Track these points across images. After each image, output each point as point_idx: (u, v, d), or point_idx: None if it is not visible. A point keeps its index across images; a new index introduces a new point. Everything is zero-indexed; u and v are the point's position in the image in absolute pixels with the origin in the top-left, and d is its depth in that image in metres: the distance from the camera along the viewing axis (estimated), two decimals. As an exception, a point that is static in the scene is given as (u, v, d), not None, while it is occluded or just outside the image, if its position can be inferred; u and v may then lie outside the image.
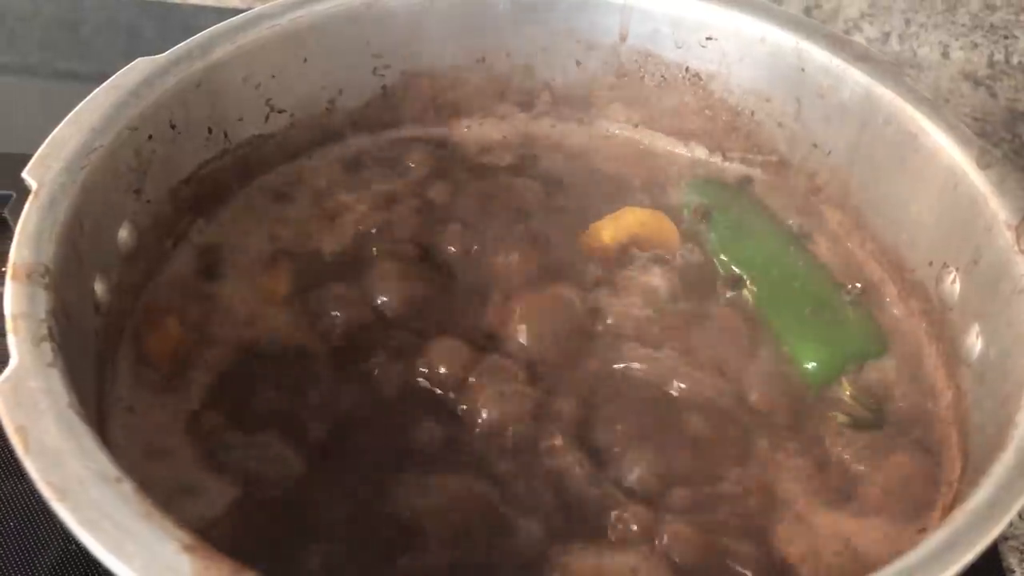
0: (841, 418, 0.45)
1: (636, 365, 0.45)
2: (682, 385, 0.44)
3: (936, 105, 0.48)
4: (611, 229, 0.51)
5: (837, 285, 0.50)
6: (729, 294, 0.49)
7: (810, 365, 0.46)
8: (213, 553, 0.29)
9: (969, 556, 0.31)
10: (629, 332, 0.47)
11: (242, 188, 0.52)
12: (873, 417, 0.45)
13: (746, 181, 0.55)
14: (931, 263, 0.47)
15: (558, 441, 0.42)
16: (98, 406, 0.41)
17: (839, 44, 0.51)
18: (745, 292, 0.49)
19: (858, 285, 0.49)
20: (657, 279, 0.49)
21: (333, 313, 0.46)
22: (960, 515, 0.32)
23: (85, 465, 0.31)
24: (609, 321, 0.47)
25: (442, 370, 0.44)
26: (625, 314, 0.47)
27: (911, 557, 0.31)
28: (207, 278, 0.48)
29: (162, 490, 0.39)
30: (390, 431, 0.42)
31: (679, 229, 0.52)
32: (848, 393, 0.45)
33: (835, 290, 0.49)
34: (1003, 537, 0.51)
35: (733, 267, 0.50)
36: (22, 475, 0.30)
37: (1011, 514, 0.32)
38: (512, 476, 0.41)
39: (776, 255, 0.50)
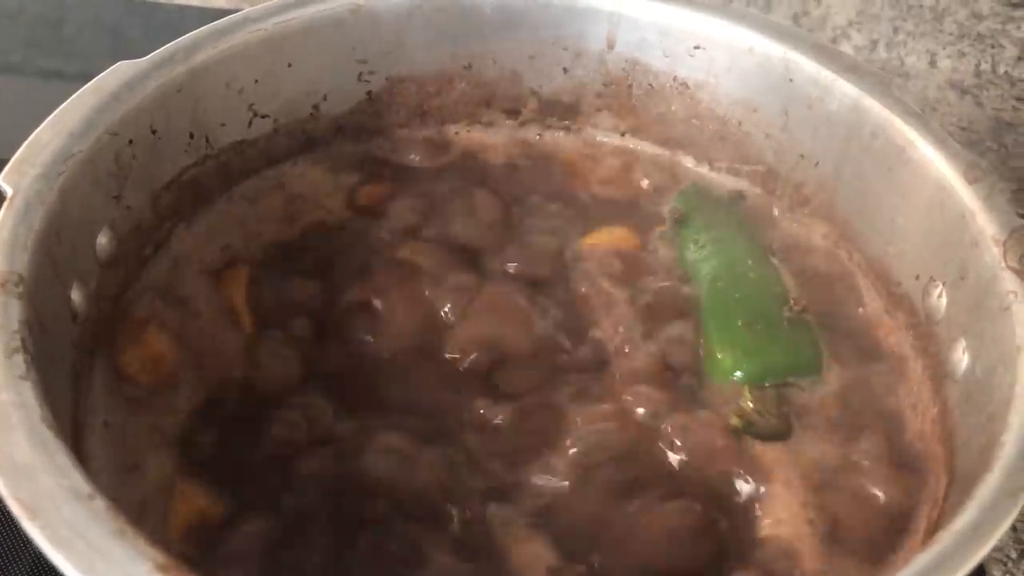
0: (734, 420, 0.44)
1: None
2: None
3: (924, 118, 0.48)
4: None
5: (783, 302, 0.49)
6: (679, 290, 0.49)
7: (736, 375, 0.46)
8: (187, 573, 0.29)
9: (954, 579, 0.31)
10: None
11: (223, 194, 0.51)
12: (774, 428, 0.44)
13: (737, 196, 0.55)
14: (918, 277, 0.47)
15: None
16: (73, 417, 0.40)
17: (828, 55, 0.51)
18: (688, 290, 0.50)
19: (802, 303, 0.49)
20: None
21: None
22: (947, 536, 0.32)
23: (57, 482, 0.31)
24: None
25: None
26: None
27: (896, 580, 0.31)
28: (181, 286, 0.47)
29: (137, 503, 0.39)
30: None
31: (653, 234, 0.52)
32: (748, 401, 0.45)
33: (777, 305, 0.49)
34: (987, 550, 0.51)
35: (688, 269, 0.51)
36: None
37: (997, 536, 0.32)
38: None
39: (732, 265, 0.50)
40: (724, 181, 0.56)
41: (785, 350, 0.47)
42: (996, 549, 0.51)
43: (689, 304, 0.49)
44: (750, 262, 0.50)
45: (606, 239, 0.52)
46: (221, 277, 0.48)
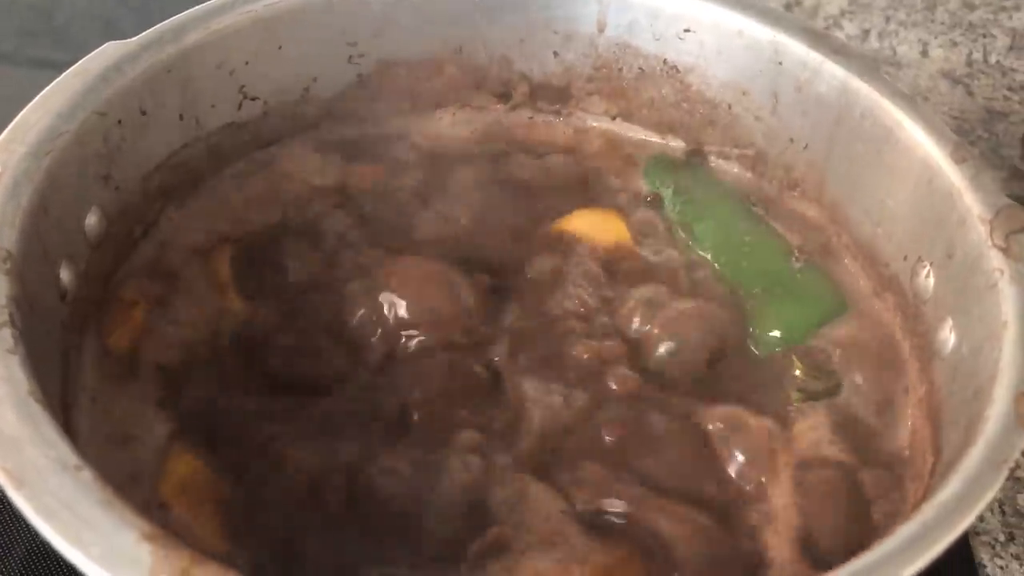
0: (795, 395, 0.45)
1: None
2: None
3: (912, 100, 0.48)
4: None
5: (787, 254, 0.50)
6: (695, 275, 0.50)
7: (774, 333, 0.47)
8: (173, 542, 0.29)
9: (937, 548, 0.31)
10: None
11: (214, 176, 0.51)
12: (825, 386, 0.45)
13: (695, 156, 0.56)
14: (906, 257, 0.47)
15: None
16: (63, 395, 0.40)
17: (816, 38, 0.51)
18: (709, 273, 0.50)
19: (805, 249, 0.50)
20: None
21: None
22: (929, 508, 0.32)
23: (44, 453, 0.31)
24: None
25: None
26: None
27: (879, 550, 0.31)
28: (170, 268, 0.47)
29: (128, 474, 0.39)
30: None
31: (633, 220, 0.52)
32: (799, 371, 0.46)
33: (785, 259, 0.49)
34: (974, 532, 0.51)
35: (695, 249, 0.51)
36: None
37: (980, 508, 0.32)
38: None
39: (730, 230, 0.51)
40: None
41: (808, 302, 0.48)
42: (984, 532, 0.51)
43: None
44: (741, 225, 0.51)
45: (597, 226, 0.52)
46: (209, 256, 0.48)
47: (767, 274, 0.49)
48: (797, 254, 0.49)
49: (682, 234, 0.51)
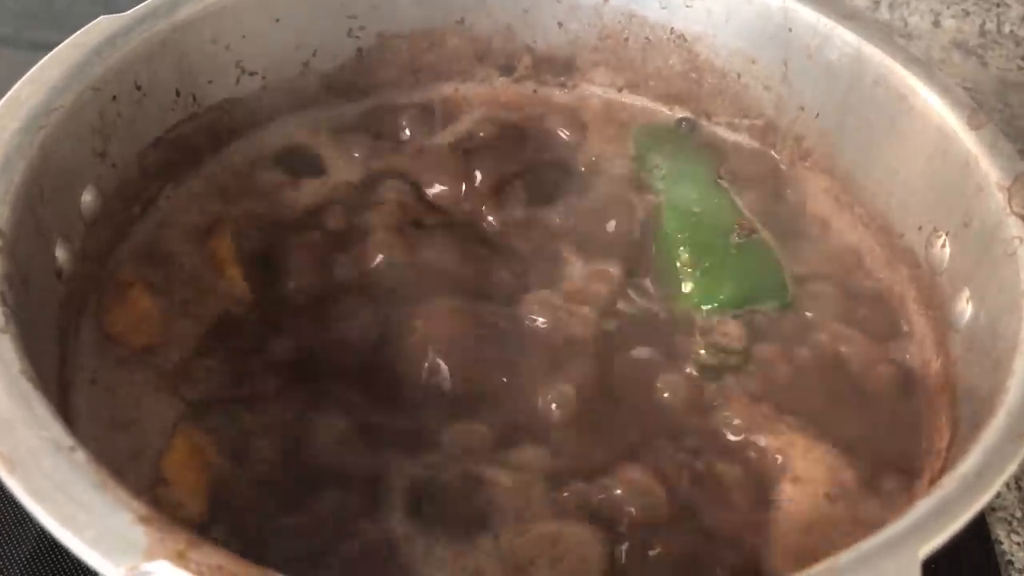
0: (695, 371, 0.44)
1: None
2: None
3: (927, 66, 0.47)
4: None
5: (729, 228, 0.49)
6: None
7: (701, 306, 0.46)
8: (169, 524, 0.28)
9: (958, 523, 0.30)
10: None
11: (213, 153, 0.51)
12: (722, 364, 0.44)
13: (686, 124, 0.55)
14: (920, 227, 0.46)
15: None
16: (60, 376, 0.40)
17: (827, 3, 0.50)
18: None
19: (748, 227, 0.49)
20: None
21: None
22: (949, 482, 0.31)
23: (37, 434, 0.30)
24: None
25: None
26: None
27: (900, 524, 0.30)
28: (169, 248, 0.47)
29: (128, 453, 0.39)
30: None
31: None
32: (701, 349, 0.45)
33: (723, 234, 0.49)
34: (990, 508, 0.51)
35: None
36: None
37: (1001, 480, 0.31)
38: None
39: (678, 200, 0.50)
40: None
41: (736, 277, 0.47)
42: (1001, 508, 0.50)
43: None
44: (695, 195, 0.50)
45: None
46: (210, 234, 0.47)
47: (704, 245, 0.48)
48: (739, 229, 0.48)
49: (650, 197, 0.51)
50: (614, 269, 0.47)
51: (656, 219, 0.50)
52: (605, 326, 0.45)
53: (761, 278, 0.47)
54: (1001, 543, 0.49)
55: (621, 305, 0.46)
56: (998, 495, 0.51)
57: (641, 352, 0.44)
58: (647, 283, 0.47)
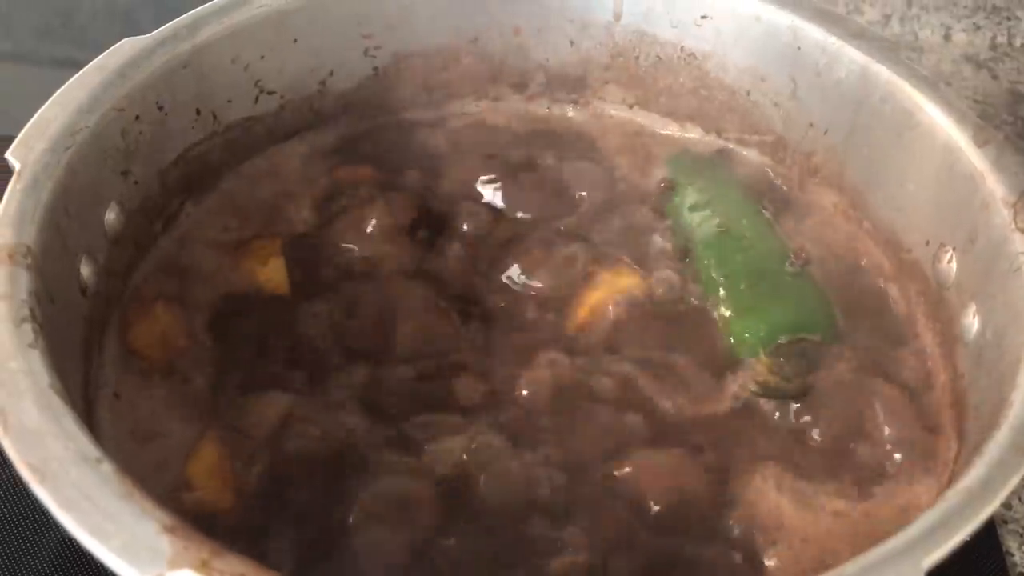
0: (753, 387, 0.44)
1: None
2: None
3: (933, 83, 0.47)
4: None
5: (783, 257, 0.49)
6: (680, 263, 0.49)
7: (745, 336, 0.46)
8: (193, 534, 0.29)
9: (961, 534, 0.30)
10: None
11: (232, 170, 0.52)
12: (790, 388, 0.44)
13: (721, 154, 0.55)
14: (928, 242, 0.46)
15: None
16: (84, 391, 0.41)
17: (834, 21, 0.50)
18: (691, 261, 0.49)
19: (802, 255, 0.49)
20: None
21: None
22: (953, 494, 0.32)
23: (65, 446, 0.31)
24: None
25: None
26: None
27: (904, 535, 0.30)
28: (190, 263, 0.48)
29: (152, 466, 0.40)
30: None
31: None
32: (764, 365, 0.45)
33: (779, 262, 0.49)
34: (1002, 520, 0.51)
35: (686, 239, 0.50)
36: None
37: (1005, 492, 0.32)
38: None
39: (729, 225, 0.50)
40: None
41: (789, 307, 0.47)
42: (1012, 521, 0.51)
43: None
44: (744, 221, 0.50)
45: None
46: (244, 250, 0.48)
47: (758, 272, 0.48)
48: (793, 259, 0.49)
49: (682, 220, 0.51)
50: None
51: (700, 246, 0.50)
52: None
53: (814, 306, 0.47)
54: (1012, 555, 0.49)
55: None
56: (1010, 507, 0.51)
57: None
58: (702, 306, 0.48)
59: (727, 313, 0.47)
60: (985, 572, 0.48)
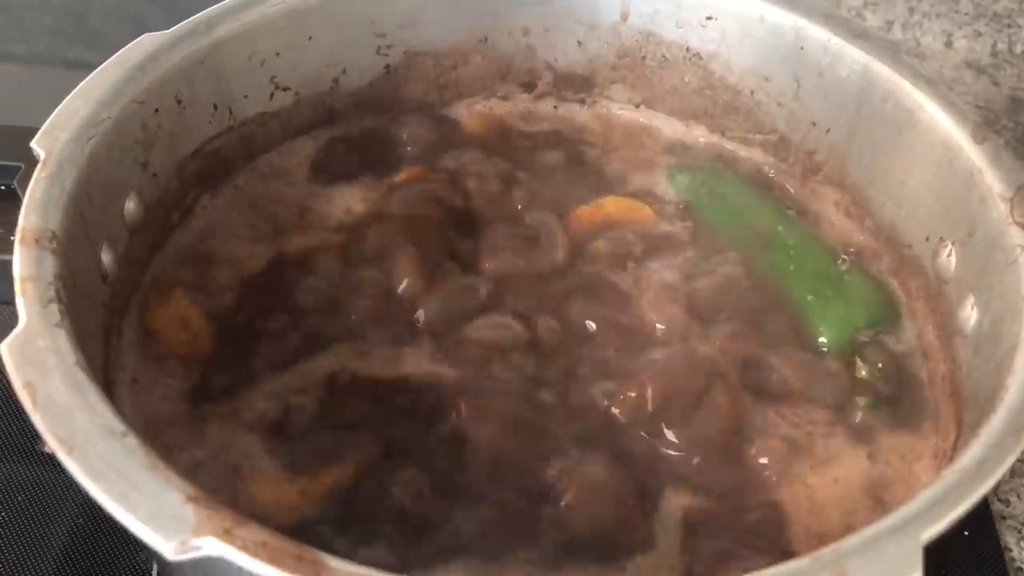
0: (863, 401, 0.45)
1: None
2: None
3: (933, 82, 0.48)
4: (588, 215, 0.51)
5: (832, 257, 0.50)
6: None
7: (823, 339, 0.47)
8: (215, 504, 0.30)
9: (958, 510, 0.31)
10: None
11: (247, 164, 0.53)
12: (891, 391, 0.45)
13: (721, 160, 0.56)
14: (928, 238, 0.47)
15: None
16: (104, 376, 0.41)
17: (837, 22, 0.51)
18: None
19: (851, 250, 0.50)
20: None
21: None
22: (951, 473, 0.33)
23: (92, 419, 0.32)
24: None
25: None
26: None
27: (903, 511, 0.31)
28: (207, 253, 0.49)
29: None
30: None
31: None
32: (864, 372, 0.45)
33: (831, 262, 0.50)
34: (1000, 516, 0.51)
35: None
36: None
37: (1001, 471, 0.33)
38: None
39: (767, 234, 0.51)
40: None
41: (861, 300, 0.48)
42: (1011, 517, 0.51)
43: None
44: (780, 228, 0.51)
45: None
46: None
47: (816, 275, 0.49)
48: (843, 256, 0.50)
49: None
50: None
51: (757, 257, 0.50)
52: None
53: (879, 297, 0.48)
54: (1011, 550, 0.50)
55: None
56: (1009, 504, 0.52)
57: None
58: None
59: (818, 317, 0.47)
60: (984, 568, 0.49)
